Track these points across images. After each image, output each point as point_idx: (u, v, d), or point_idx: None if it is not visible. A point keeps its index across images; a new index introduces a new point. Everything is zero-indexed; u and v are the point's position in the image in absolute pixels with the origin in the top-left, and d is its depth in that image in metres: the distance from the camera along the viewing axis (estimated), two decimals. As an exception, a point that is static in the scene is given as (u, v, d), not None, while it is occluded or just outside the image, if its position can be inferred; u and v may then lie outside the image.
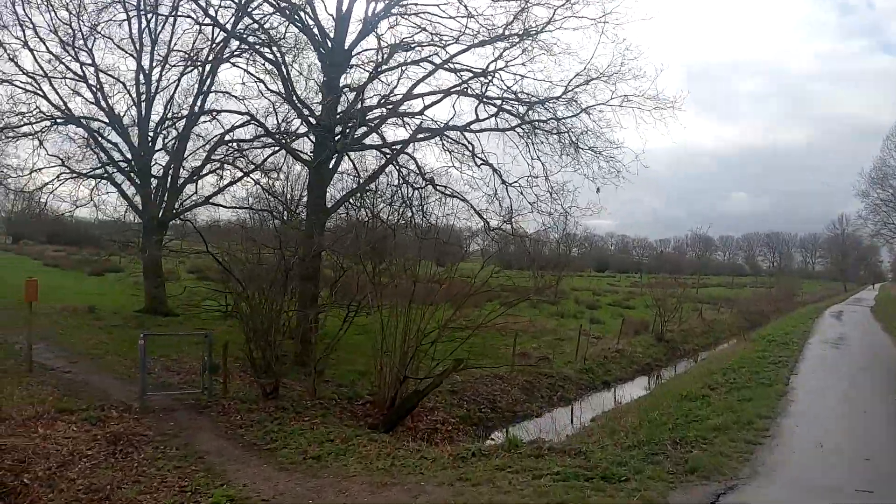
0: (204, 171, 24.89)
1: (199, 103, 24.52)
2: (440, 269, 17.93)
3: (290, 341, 15.18)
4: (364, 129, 19.49)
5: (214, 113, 24.23)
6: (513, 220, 19.89)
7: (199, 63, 22.54)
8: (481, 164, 19.98)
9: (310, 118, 18.94)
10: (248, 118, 21.12)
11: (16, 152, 25.50)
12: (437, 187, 19.84)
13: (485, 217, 20.07)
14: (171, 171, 24.76)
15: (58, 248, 42.59)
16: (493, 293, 17.41)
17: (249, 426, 10.69)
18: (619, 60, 18.12)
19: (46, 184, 24.55)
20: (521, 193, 20.09)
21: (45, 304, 23.24)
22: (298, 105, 18.93)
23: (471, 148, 19.98)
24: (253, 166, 24.22)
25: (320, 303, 17.09)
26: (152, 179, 24.78)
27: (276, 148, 22.55)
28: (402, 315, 12.90)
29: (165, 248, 25.11)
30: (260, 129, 20.78)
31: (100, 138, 24.13)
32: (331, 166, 18.93)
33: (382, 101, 19.64)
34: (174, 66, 24.40)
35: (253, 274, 13.72)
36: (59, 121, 23.30)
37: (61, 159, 24.48)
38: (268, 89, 20.04)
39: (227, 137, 23.90)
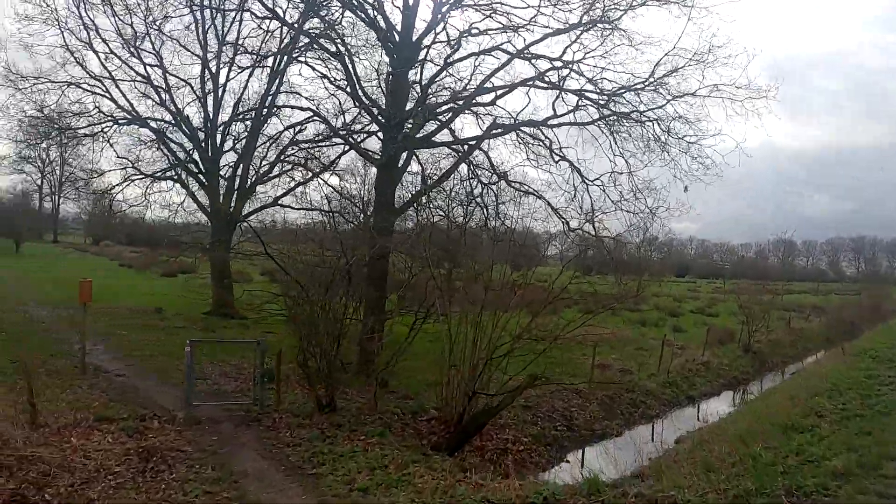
0: (274, 173, 24.80)
1: (267, 103, 24.35)
2: (514, 273, 16.61)
3: (355, 347, 14.30)
4: (434, 125, 18.62)
5: (282, 109, 24.13)
6: (594, 220, 18.28)
7: (269, 54, 22.23)
8: (559, 160, 18.62)
9: (378, 115, 18.16)
10: (316, 116, 20.72)
11: (88, 154, 26.24)
12: (512, 184, 18.54)
13: (564, 217, 18.60)
14: (239, 172, 24.70)
15: (134, 249, 43.99)
16: (572, 300, 15.98)
17: (297, 445, 9.74)
18: (707, 46, 16.42)
19: (115, 186, 25.07)
20: (604, 191, 18.54)
21: (113, 305, 23.79)
22: (366, 102, 18.15)
23: (548, 143, 18.62)
24: (322, 167, 23.84)
25: (388, 308, 16.18)
26: (220, 181, 24.78)
27: (347, 147, 22.11)
28: (473, 324, 11.70)
29: (233, 250, 25.07)
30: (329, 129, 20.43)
31: (167, 139, 24.36)
32: (399, 165, 18.01)
33: (453, 95, 18.59)
34: (243, 69, 24.62)
35: (311, 276, 12.88)
36: (121, 121, 23.61)
37: (130, 161, 24.92)
38: (335, 85, 19.45)
39: (297, 138, 24.00)
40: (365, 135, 21.18)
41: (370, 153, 19.40)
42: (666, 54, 16.91)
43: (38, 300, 24.12)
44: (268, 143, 25.02)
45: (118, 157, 25.08)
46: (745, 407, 18.02)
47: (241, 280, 28.38)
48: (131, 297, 26.49)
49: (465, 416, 11.45)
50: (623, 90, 17.51)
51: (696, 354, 23.33)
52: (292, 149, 24.45)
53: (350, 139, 20.66)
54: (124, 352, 16.53)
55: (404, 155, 18.01)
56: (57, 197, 67.09)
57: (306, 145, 24.27)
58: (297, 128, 24.19)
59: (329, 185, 24.34)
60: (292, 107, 23.46)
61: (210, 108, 24.58)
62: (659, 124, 17.67)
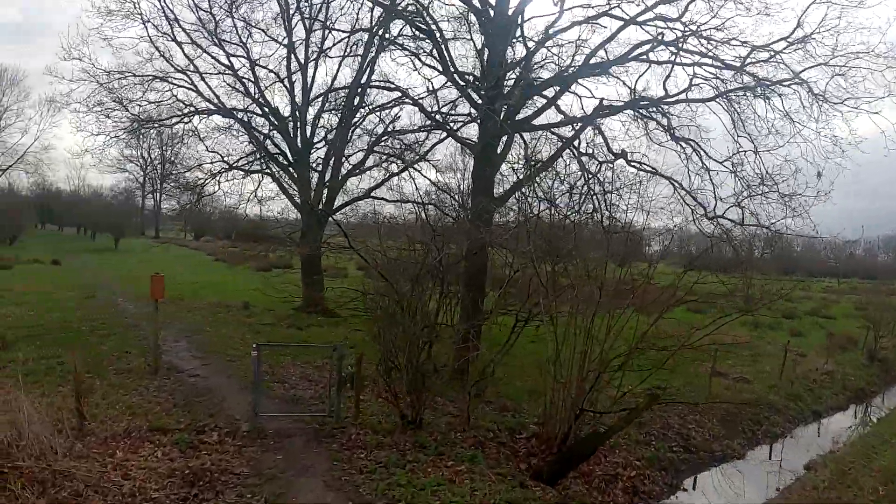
0: (367, 164, 23.94)
1: (358, 91, 23.48)
2: (627, 270, 14.54)
3: (450, 348, 12.84)
4: (535, 107, 17.00)
5: (374, 98, 23.25)
6: (741, 205, 15.89)
7: (358, 29, 21.20)
8: (678, 140, 16.43)
9: (474, 97, 16.59)
10: (408, 99, 19.43)
11: (187, 152, 26.42)
12: (633, 163, 16.36)
13: (700, 203, 16.30)
14: (331, 164, 24.00)
15: (232, 244, 44.95)
16: (699, 301, 13.88)
17: (372, 472, 8.29)
18: (838, 12, 14.09)
19: (205, 179, 24.96)
20: (733, 173, 16.22)
21: (201, 300, 23.66)
22: (461, 83, 16.63)
23: (666, 122, 16.48)
24: (417, 157, 22.67)
25: (486, 308, 14.57)
26: (311, 173, 24.16)
27: (443, 135, 20.73)
28: (582, 330, 9.83)
29: (323, 244, 24.38)
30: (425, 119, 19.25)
31: (257, 132, 23.95)
32: (499, 151, 16.35)
33: (557, 72, 16.72)
34: (332, 57, 23.94)
35: (398, 270, 11.47)
36: (204, 112, 23.31)
37: (221, 155, 24.76)
38: (428, 66, 18.12)
39: (390, 128, 23.14)
40: (461, 121, 19.82)
41: (467, 140, 17.94)
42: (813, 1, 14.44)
43: (128, 295, 24.35)
44: (360, 134, 24.40)
45: (208, 150, 24.97)
46: (882, 427, 15.92)
47: (336, 276, 27.80)
48: (222, 292, 26.39)
49: (571, 437, 9.84)
50: (753, 58, 15.19)
51: (818, 362, 21.30)
52: (385, 139, 23.65)
53: (447, 126, 19.33)
54: (205, 350, 15.88)
55: (504, 140, 16.43)
56: (158, 194, 70.38)
57: (400, 136, 23.47)
58: (391, 117, 23.44)
59: (425, 177, 23.34)
60: (386, 88, 22.24)
61: (299, 99, 23.94)
62: (804, 90, 15.19)
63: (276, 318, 21.02)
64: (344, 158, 24.09)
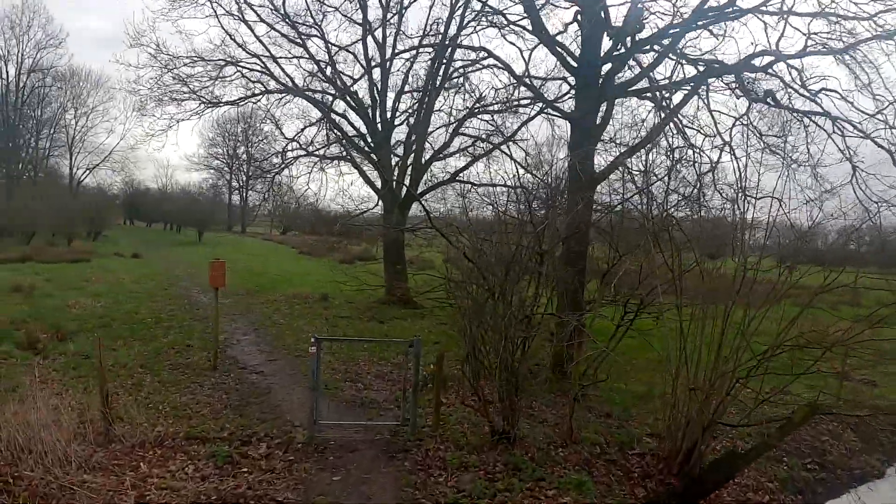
0: (451, 147, 22.56)
1: (440, 71, 22.03)
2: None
3: (546, 345, 11.05)
4: (638, 68, 14.92)
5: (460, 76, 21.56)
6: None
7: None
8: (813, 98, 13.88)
9: (569, 60, 14.63)
10: (496, 61, 17.71)
11: (269, 147, 25.82)
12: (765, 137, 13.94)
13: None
14: (413, 147, 22.64)
15: (317, 238, 44.64)
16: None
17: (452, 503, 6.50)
18: None
19: (282, 165, 24.20)
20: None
21: (279, 292, 22.85)
22: (552, 44, 14.72)
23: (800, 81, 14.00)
24: (506, 137, 20.97)
25: (587, 298, 12.64)
26: (392, 157, 22.93)
27: (532, 113, 18.91)
28: (710, 323, 7.76)
29: (409, 232, 23.11)
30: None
31: (335, 112, 22.89)
32: (597, 122, 14.33)
33: (661, 30, 14.49)
34: (411, 36, 22.66)
35: (492, 253, 9.74)
36: (275, 93, 22.40)
37: (299, 143, 23.90)
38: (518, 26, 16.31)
39: (476, 108, 21.65)
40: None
41: (563, 109, 16.01)
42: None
43: (204, 286, 23.85)
44: (443, 117, 22.97)
45: (286, 138, 24.17)
46: None
47: (423, 267, 26.45)
48: (302, 284, 25.55)
49: (695, 454, 7.85)
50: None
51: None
52: (471, 120, 22.16)
53: (539, 92, 17.47)
54: (274, 344, 14.73)
55: (602, 110, 14.42)
56: (245, 190, 72.07)
57: (486, 117, 22.00)
58: (475, 94, 21.86)
59: (514, 160, 21.59)
60: (471, 47, 20.53)
61: (378, 79, 22.66)
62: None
63: (356, 311, 19.84)
64: (427, 144, 22.78)
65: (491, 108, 21.57)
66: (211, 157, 51.43)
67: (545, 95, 17.80)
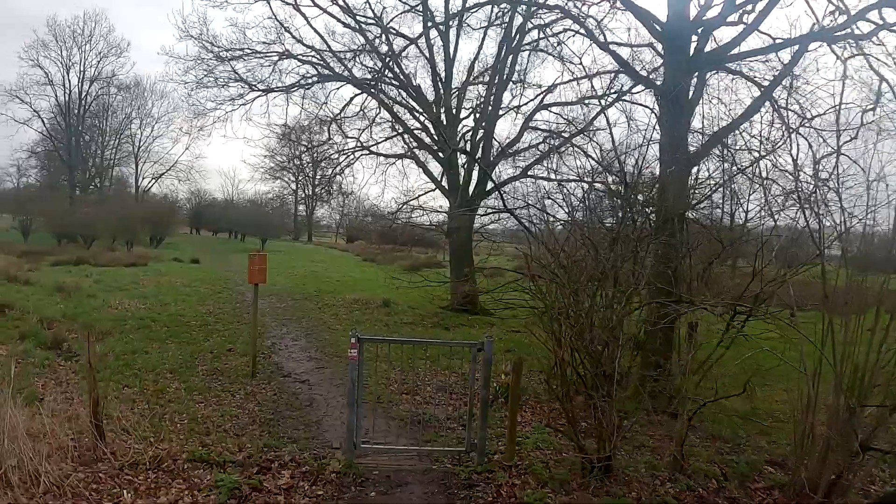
0: (522, 142, 21.36)
1: (509, 61, 20.71)
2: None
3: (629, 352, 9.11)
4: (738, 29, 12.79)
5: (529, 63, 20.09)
6: None
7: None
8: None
9: (654, 24, 12.67)
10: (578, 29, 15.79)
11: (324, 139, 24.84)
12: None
13: None
14: (480, 143, 21.13)
15: (381, 244, 43.74)
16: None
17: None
18: None
19: (340, 160, 23.02)
20: None
21: (339, 297, 21.60)
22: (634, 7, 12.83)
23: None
24: (579, 128, 19.23)
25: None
26: (458, 155, 21.43)
27: (610, 100, 17.11)
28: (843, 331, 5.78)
29: (477, 233, 21.56)
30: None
31: (397, 102, 21.55)
32: (690, 96, 12.30)
33: None
34: (475, 27, 21.57)
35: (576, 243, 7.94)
36: (331, 80, 21.17)
37: (361, 142, 22.71)
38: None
39: (545, 100, 20.53)
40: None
41: (652, 83, 13.97)
42: None
43: (261, 289, 22.82)
44: (513, 105, 21.76)
45: (346, 137, 23.01)
46: None
47: (492, 274, 24.76)
48: (363, 289, 24.19)
49: (837, 489, 5.85)
50: None
51: None
52: (541, 113, 20.94)
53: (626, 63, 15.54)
54: (326, 351, 13.26)
55: (693, 85, 12.36)
56: (310, 200, 71.98)
57: (557, 109, 20.73)
58: (549, 86, 20.45)
59: (588, 156, 19.75)
60: (547, 7, 18.81)
61: (442, 72, 21.22)
62: None
63: (420, 317, 18.33)
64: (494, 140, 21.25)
65: (562, 103, 20.21)
66: (276, 168, 51.42)
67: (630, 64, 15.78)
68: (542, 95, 20.63)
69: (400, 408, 9.05)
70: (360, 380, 6.77)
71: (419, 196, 22.20)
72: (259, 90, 20.58)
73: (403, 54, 21.52)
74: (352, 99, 22.39)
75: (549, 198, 14.27)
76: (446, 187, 21.67)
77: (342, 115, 22.67)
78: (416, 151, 22.71)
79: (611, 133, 14.37)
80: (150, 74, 65.54)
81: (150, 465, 6.02)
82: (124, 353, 11.52)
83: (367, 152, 23.24)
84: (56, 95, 51.10)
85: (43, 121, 50.30)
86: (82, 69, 51.67)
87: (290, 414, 8.59)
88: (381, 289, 23.04)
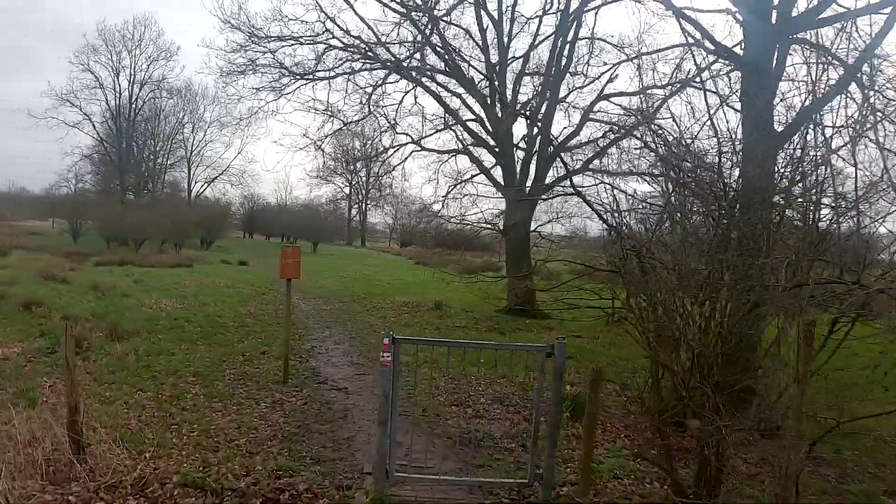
0: (579, 137, 19.92)
1: (566, 51, 19.36)
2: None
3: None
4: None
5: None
6: None
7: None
8: None
9: None
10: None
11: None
12: None
13: None
14: (537, 136, 19.75)
15: (437, 249, 42.65)
16: None
17: None
18: None
19: (387, 149, 21.99)
20: None
21: (389, 300, 20.55)
22: None
23: None
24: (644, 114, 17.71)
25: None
26: (515, 149, 20.15)
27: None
28: None
29: (535, 233, 20.28)
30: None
31: (450, 92, 20.37)
32: (773, 64, 10.67)
33: None
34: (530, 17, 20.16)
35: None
36: (377, 67, 20.09)
37: (412, 137, 21.64)
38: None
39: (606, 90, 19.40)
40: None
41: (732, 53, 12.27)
42: None
43: (307, 292, 21.94)
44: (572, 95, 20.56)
45: (397, 133, 21.94)
46: None
47: (548, 277, 23.33)
48: (415, 292, 23.05)
49: None
50: None
51: None
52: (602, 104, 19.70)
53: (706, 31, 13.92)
54: (370, 356, 12.04)
55: (776, 54, 10.68)
56: (364, 204, 71.95)
57: (618, 99, 19.48)
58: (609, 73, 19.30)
59: (650, 148, 18.28)
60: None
61: (496, 62, 19.97)
62: None
63: (473, 320, 17.03)
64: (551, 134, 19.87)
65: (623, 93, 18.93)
66: (329, 172, 51.09)
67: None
68: (605, 80, 19.28)
69: (448, 422, 7.73)
70: (396, 392, 5.48)
71: (471, 177, 20.93)
72: (301, 77, 19.65)
73: (456, 45, 20.39)
74: (403, 98, 21.53)
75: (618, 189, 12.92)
76: (502, 183, 20.39)
77: (396, 116, 21.64)
78: (470, 147, 21.49)
79: (674, 120, 12.84)
80: (202, 80, 66.32)
81: (132, 489, 4.86)
82: (148, 354, 10.58)
83: (419, 148, 22.14)
84: (107, 99, 51.74)
85: (94, 125, 50.88)
86: (132, 73, 52.26)
87: (318, 428, 7.36)
88: (434, 291, 21.88)
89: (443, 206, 21.78)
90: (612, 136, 18.65)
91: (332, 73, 19.96)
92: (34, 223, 49.16)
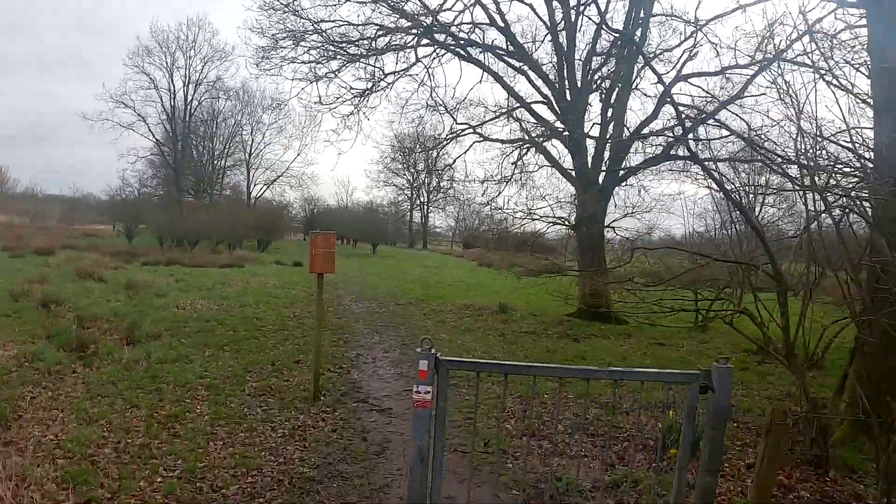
0: (657, 123, 17.54)
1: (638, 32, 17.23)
2: None
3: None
4: None
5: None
6: None
7: None
8: None
9: None
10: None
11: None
12: None
13: None
14: (610, 121, 17.58)
15: (504, 253, 40.72)
16: None
17: None
18: None
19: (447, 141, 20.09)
20: None
21: (449, 302, 18.68)
22: None
23: None
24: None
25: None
26: (587, 139, 17.99)
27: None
28: None
29: (609, 227, 18.09)
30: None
31: (518, 70, 18.30)
32: None
33: None
34: None
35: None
36: (430, 43, 18.12)
37: (472, 126, 19.64)
38: None
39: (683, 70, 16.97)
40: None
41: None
42: None
43: (361, 294, 20.27)
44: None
45: (456, 123, 19.95)
46: None
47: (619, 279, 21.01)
48: (477, 294, 21.14)
49: None
50: None
51: None
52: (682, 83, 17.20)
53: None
54: (423, 366, 10.09)
55: None
56: (426, 206, 70.42)
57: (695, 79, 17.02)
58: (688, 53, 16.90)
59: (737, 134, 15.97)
60: None
61: (564, 42, 17.82)
62: None
63: (542, 325, 15.02)
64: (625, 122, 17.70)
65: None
66: (390, 174, 49.85)
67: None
68: (684, 58, 16.91)
69: (516, 463, 5.70)
70: (440, 444, 3.52)
71: (538, 168, 18.82)
72: (351, 54, 17.89)
73: (516, 23, 18.35)
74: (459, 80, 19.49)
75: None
76: (572, 173, 18.22)
77: (456, 105, 19.68)
78: (535, 137, 19.33)
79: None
80: (260, 82, 66.12)
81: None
82: (161, 361, 9.01)
83: (480, 138, 20.07)
84: (162, 101, 51.29)
85: (148, 126, 50.36)
86: (187, 74, 51.63)
87: (344, 469, 5.48)
88: (498, 294, 19.88)
89: (503, 198, 19.70)
90: (697, 117, 16.38)
91: (383, 47, 18.01)
92: (96, 227, 49.36)
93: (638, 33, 17.30)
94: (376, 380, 9.21)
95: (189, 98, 51.74)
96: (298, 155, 64.90)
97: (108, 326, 10.97)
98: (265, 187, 58.47)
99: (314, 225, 62.29)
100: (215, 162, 56.08)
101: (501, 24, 17.54)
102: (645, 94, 18.59)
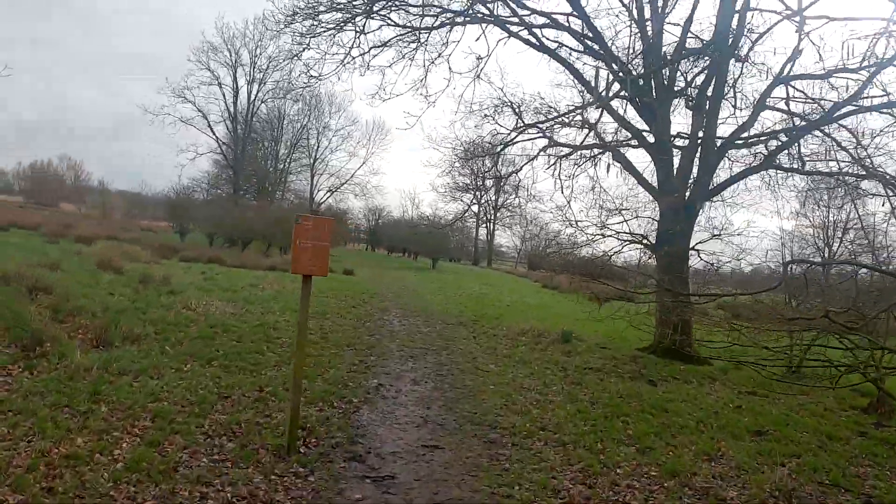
0: (753, 130, 14.93)
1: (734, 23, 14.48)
2: None
3: None
4: None
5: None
6: None
7: None
8: None
9: None
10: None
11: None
12: None
13: None
14: (702, 130, 14.99)
15: (570, 276, 38.20)
16: None
17: None
18: None
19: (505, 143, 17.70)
20: None
21: (504, 325, 16.45)
22: None
23: None
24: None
25: None
26: (674, 150, 15.42)
27: None
28: None
29: (693, 250, 15.40)
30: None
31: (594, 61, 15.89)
32: None
33: None
34: None
35: None
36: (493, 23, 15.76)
37: (541, 129, 17.19)
38: None
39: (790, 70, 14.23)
40: None
41: None
42: None
43: (406, 309, 18.20)
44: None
45: (525, 124, 17.50)
46: None
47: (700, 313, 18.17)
48: (538, 318, 18.60)
49: None
50: None
51: None
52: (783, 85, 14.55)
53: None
54: (456, 410, 8.00)
55: None
56: (492, 224, 68.25)
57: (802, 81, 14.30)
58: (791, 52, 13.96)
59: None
60: None
61: (650, 31, 15.31)
62: None
63: (612, 361, 12.48)
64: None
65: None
66: (457, 190, 47.90)
67: None
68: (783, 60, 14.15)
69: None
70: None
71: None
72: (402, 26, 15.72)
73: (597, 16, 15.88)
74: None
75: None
76: (655, 186, 15.62)
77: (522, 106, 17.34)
78: (613, 144, 16.73)
79: None
80: (328, 86, 65.48)
81: None
82: (120, 373, 7.16)
83: (549, 143, 17.53)
84: (224, 98, 50.53)
85: (209, 124, 49.98)
86: (251, 73, 50.69)
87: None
88: (562, 319, 17.43)
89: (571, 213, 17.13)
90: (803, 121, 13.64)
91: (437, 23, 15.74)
92: (157, 223, 49.00)
93: (734, 26, 14.70)
94: (389, 424, 7.02)
95: (252, 97, 50.96)
96: (364, 163, 63.97)
97: (85, 322, 9.19)
98: (329, 193, 57.62)
99: (376, 236, 61.00)
100: (279, 165, 55.42)
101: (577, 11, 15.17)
102: (744, 96, 15.83)
